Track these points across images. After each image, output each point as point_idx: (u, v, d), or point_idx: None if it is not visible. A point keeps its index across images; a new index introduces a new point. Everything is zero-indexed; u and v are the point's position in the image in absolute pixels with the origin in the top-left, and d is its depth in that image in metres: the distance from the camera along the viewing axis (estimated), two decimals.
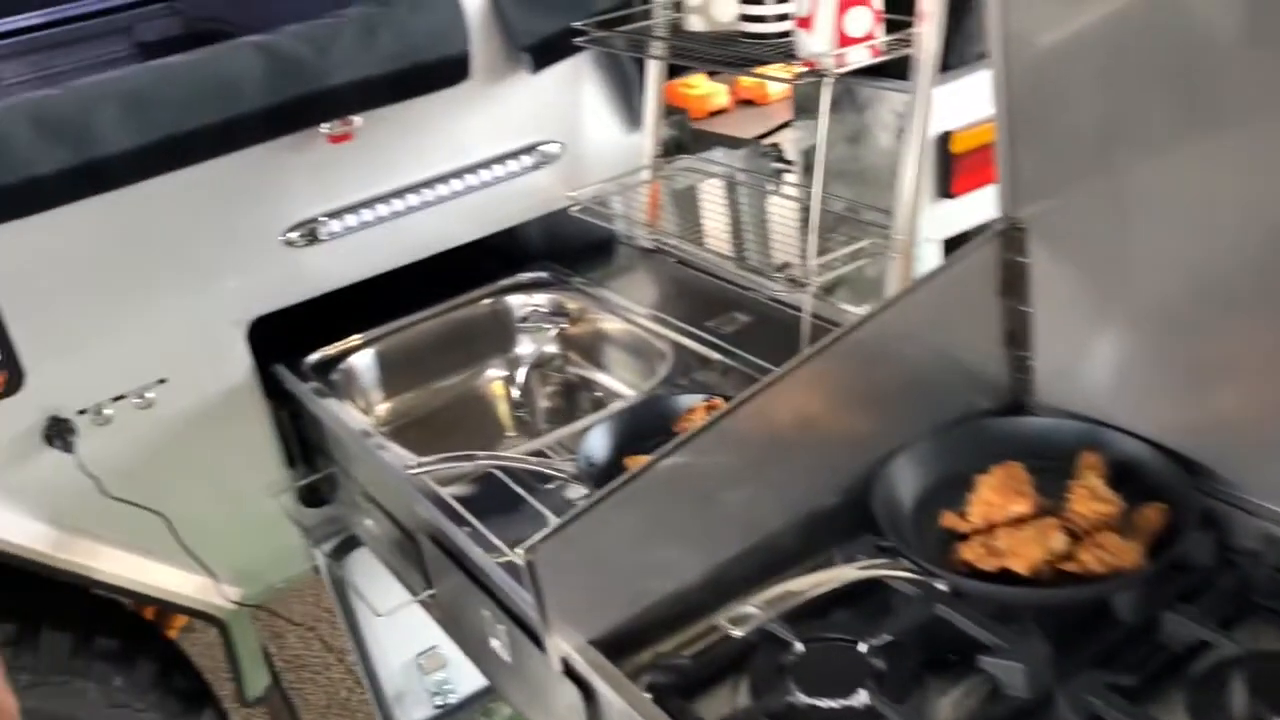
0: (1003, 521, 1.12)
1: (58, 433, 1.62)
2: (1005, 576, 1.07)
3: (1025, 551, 1.06)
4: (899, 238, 1.54)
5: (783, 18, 1.54)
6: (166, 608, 1.86)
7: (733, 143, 2.29)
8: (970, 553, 1.10)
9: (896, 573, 1.10)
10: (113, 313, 1.64)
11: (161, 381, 1.69)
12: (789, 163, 2.16)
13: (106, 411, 1.66)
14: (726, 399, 1.42)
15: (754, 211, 2.09)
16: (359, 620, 1.96)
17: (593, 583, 1.10)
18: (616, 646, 1.11)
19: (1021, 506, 1.12)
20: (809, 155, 2.10)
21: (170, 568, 1.77)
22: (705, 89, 2.55)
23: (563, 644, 1.10)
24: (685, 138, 2.16)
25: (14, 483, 1.61)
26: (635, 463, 1.31)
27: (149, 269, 1.66)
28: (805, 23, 1.44)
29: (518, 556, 1.04)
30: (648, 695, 1.04)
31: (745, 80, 2.54)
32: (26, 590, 1.69)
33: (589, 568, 1.09)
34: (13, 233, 1.52)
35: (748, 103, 2.62)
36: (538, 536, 1.03)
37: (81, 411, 1.64)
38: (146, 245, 1.65)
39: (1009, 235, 1.23)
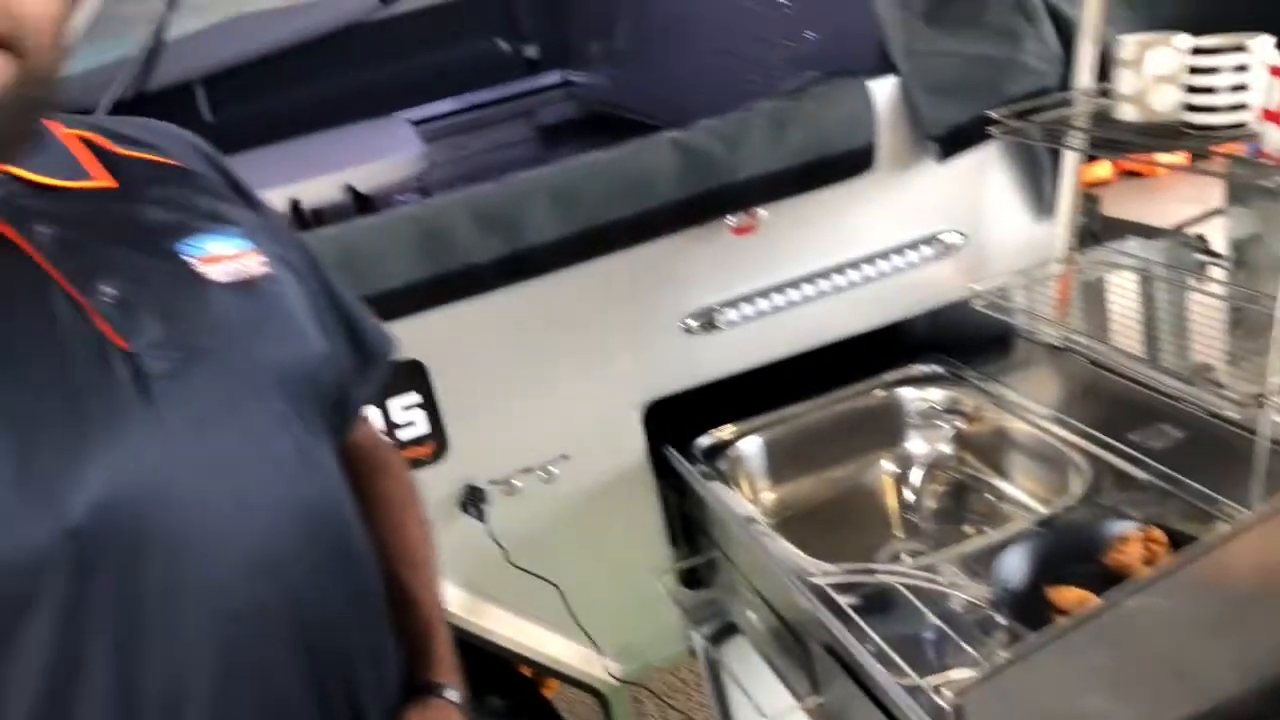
0: None
1: (472, 500, 1.73)
2: None
3: None
4: None
5: (1238, 107, 1.39)
6: (554, 676, 1.93)
7: (1147, 231, 2.11)
8: None
9: None
10: (526, 389, 1.73)
11: (564, 457, 1.77)
12: (1216, 255, 1.95)
13: (514, 482, 1.75)
14: (1163, 529, 1.28)
15: (1174, 310, 1.91)
16: (732, 709, 1.95)
17: None
18: None
19: None
20: (1242, 249, 1.89)
21: (557, 636, 1.85)
22: None
23: None
24: (1095, 226, 2.02)
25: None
26: (1059, 595, 1.21)
27: (559, 350, 1.74)
28: (1274, 116, 1.29)
29: (943, 699, 0.97)
30: None
31: None
32: None
33: (1016, 714, 1.01)
34: (447, 314, 1.64)
35: (1132, 174, 2.44)
36: (968, 679, 0.96)
37: (493, 482, 1.74)
38: (558, 328, 1.73)
39: None
